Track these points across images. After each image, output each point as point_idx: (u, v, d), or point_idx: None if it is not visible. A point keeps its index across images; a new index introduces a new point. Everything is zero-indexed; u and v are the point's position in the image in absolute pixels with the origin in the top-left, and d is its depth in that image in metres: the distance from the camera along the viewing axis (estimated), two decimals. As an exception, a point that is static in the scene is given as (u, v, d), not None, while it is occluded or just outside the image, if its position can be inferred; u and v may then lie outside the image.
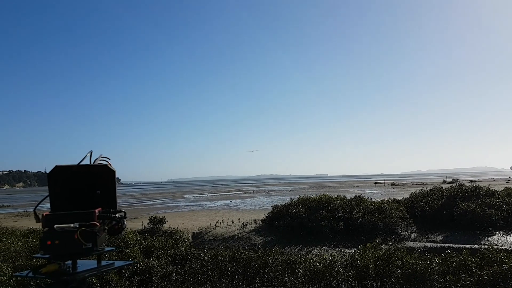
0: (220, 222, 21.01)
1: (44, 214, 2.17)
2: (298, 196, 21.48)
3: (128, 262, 2.78)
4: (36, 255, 2.33)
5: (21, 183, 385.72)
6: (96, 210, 2.22)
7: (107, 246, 2.34)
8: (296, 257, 9.80)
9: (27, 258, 9.29)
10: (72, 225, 2.10)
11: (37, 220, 2.21)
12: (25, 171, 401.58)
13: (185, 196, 65.06)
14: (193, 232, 19.87)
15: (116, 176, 2.45)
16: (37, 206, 2.23)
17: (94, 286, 7.53)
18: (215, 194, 65.42)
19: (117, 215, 2.31)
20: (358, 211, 18.21)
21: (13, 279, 7.18)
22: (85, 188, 2.32)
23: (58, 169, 2.29)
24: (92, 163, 2.40)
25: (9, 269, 8.06)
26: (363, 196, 21.49)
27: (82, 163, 2.33)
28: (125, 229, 2.43)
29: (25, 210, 41.91)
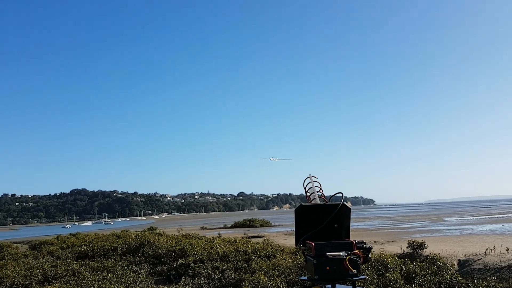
0: (491, 249, 18.19)
1: (313, 243, 2.60)
2: None
3: None
4: (302, 278, 2.84)
5: (287, 205, 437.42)
6: (354, 241, 2.58)
7: (367, 270, 2.62)
8: None
9: (297, 274, 10.28)
10: (341, 253, 2.49)
11: (298, 248, 2.71)
12: (290, 193, 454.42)
13: (446, 219, 59.77)
14: (459, 260, 17.89)
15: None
16: (303, 239, 2.70)
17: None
18: (483, 217, 57.48)
19: (366, 245, 2.61)
20: None
21: None
22: (324, 222, 2.72)
23: (303, 207, 2.77)
24: (305, 189, 2.88)
25: (283, 283, 9.10)
26: None
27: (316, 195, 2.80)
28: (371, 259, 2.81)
29: (292, 229, 46.99)
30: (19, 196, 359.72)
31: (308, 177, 3.01)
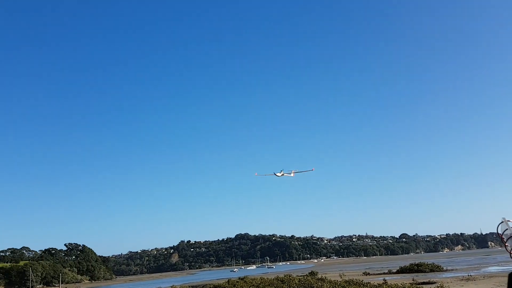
0: None
1: None
2: None
3: None
4: None
5: (459, 246, 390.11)
6: None
7: None
8: None
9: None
10: None
11: None
12: (461, 233, 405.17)
13: None
14: None
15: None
16: None
17: None
18: None
19: None
20: None
21: None
22: None
23: None
24: (501, 235, 2.51)
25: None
26: None
27: None
28: None
29: (469, 274, 41.61)
30: (193, 242, 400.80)
31: (503, 222, 2.77)
